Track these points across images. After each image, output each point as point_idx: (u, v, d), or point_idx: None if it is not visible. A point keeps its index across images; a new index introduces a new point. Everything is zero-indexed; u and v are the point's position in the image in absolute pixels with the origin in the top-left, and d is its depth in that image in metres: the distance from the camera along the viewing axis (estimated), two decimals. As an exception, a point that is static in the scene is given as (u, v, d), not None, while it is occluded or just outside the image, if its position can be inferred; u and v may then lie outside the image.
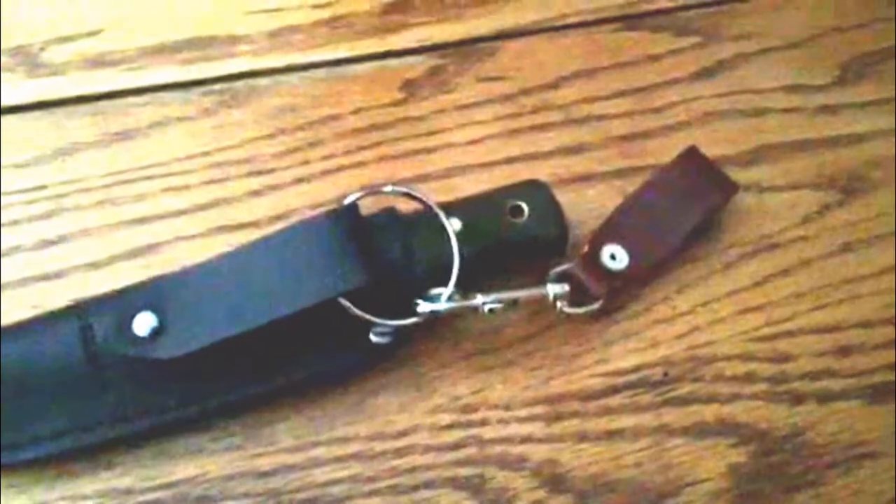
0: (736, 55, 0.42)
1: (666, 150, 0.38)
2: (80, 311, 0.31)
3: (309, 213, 0.36)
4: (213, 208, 0.36)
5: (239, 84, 0.39)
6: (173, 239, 0.35)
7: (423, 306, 0.31)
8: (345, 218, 0.31)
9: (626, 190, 0.37)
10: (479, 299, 0.31)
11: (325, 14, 0.41)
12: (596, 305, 0.34)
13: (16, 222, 0.35)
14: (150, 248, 0.35)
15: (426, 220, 0.33)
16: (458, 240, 0.32)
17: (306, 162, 0.38)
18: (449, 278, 0.32)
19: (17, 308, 0.33)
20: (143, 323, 0.30)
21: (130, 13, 0.40)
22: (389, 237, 0.32)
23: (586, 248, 0.34)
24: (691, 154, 0.37)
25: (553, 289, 0.33)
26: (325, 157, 0.38)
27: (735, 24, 0.42)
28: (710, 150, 0.38)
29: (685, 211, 0.36)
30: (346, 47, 0.40)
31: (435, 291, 0.31)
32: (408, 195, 0.33)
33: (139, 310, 0.31)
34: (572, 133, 0.39)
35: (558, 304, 0.33)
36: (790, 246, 0.37)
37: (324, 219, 0.31)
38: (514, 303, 0.32)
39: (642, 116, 0.40)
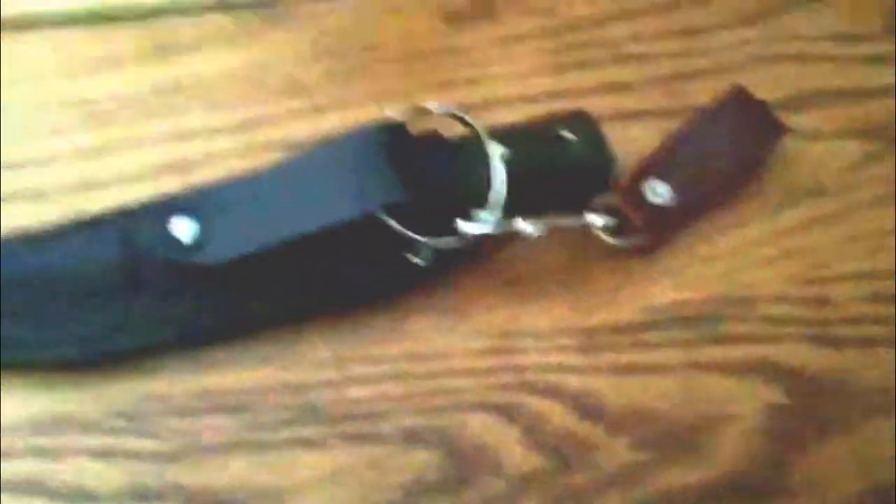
0: (784, 1, 0.41)
1: (711, 92, 0.37)
2: (120, 215, 0.31)
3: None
4: (252, 127, 0.36)
5: (281, 7, 0.39)
6: (211, 155, 0.35)
7: (465, 227, 0.31)
8: (390, 133, 0.31)
9: (671, 129, 0.36)
10: (521, 223, 0.31)
11: (371, -60, 0.41)
12: (637, 239, 0.33)
13: (55, 131, 0.35)
14: (188, 163, 0.35)
15: (470, 143, 0.32)
16: (503, 165, 0.32)
17: (348, 86, 0.37)
18: (492, 203, 0.31)
19: (52, 215, 0.33)
20: (185, 229, 0.30)
21: (174, -70, 0.40)
22: (434, 157, 0.32)
23: (630, 180, 0.34)
24: (740, 93, 0.36)
25: (595, 218, 0.33)
26: (367, 83, 0.37)
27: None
28: (756, 95, 0.37)
29: (731, 150, 0.35)
30: (390, -25, 0.40)
31: (478, 214, 0.31)
32: (454, 116, 0.33)
33: (181, 215, 0.30)
34: (618, 71, 0.39)
35: (600, 234, 0.33)
36: (834, 193, 0.37)
37: (369, 131, 0.31)
38: (555, 230, 0.32)
39: (689, 58, 0.39)
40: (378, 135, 0.31)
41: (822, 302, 0.34)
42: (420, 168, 0.31)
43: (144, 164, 0.35)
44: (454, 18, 0.39)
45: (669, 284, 0.34)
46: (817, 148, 0.38)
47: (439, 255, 0.31)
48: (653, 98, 0.38)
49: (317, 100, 0.37)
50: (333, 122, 0.36)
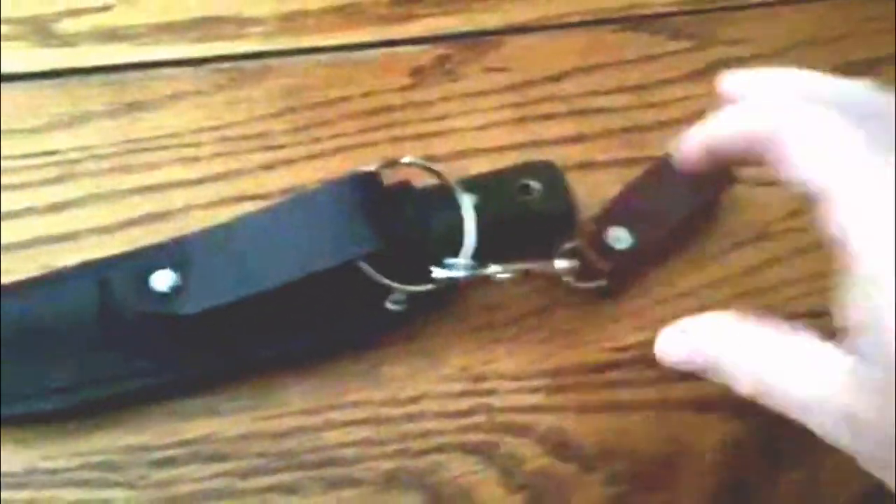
0: (727, 58, 0.43)
1: (663, 144, 0.39)
2: (97, 266, 0.31)
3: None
4: (223, 179, 0.37)
5: (249, 63, 0.40)
6: (184, 207, 0.36)
7: (439, 273, 0.32)
8: (364, 183, 0.32)
9: (627, 178, 0.38)
10: (492, 268, 0.32)
11: (336, 1, 0.42)
12: (601, 282, 0.35)
13: (27, 185, 0.35)
14: (161, 216, 0.35)
15: (440, 193, 0.34)
16: (473, 213, 0.33)
17: (317, 140, 0.38)
18: (462, 249, 0.32)
19: (27, 268, 0.33)
20: (162, 279, 0.31)
21: (142, -10, 0.41)
22: (406, 206, 0.33)
23: (593, 226, 0.35)
24: None
25: (561, 263, 0.34)
26: (335, 136, 0.39)
27: (726, 30, 0.44)
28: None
29: (685, 198, 0.37)
30: (355, 34, 0.41)
31: (450, 261, 0.32)
32: (425, 168, 0.34)
33: (158, 267, 0.31)
34: (574, 124, 0.41)
35: (565, 278, 0.34)
36: (781, 236, 0.39)
37: (344, 183, 0.32)
38: (525, 274, 0.33)
39: (641, 111, 0.41)
40: (352, 186, 0.32)
41: (776, 339, 0.36)
42: (393, 217, 0.32)
43: (116, 218, 0.35)
44: (417, 75, 0.41)
45: (632, 325, 0.36)
46: (763, 195, 0.40)
47: (413, 301, 0.32)
48: (609, 149, 0.40)
49: (286, 153, 0.38)
50: (303, 175, 0.37)
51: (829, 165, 0.22)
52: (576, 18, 0.44)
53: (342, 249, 0.31)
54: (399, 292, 0.32)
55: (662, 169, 0.37)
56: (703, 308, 0.36)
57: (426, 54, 0.41)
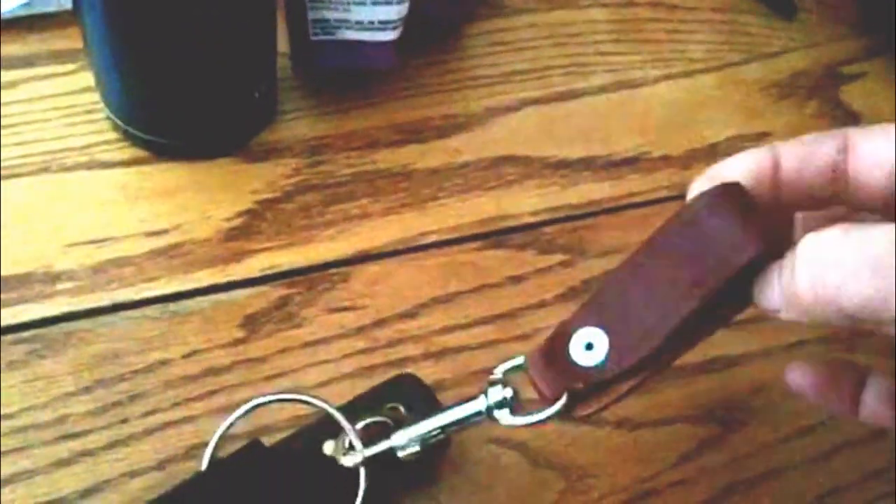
0: (604, 273, 0.39)
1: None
2: None
3: (125, 483, 0.32)
4: (10, 484, 0.31)
5: (55, 329, 0.35)
6: (-42, 528, 0.30)
7: None
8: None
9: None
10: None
11: (160, 242, 0.37)
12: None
13: None
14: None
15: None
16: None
17: (125, 420, 0.33)
18: None
19: None
20: None
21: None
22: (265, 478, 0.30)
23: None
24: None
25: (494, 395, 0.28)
26: (149, 413, 0.33)
27: (601, 238, 0.41)
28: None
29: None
30: (181, 280, 0.37)
31: None
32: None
33: None
34: (431, 369, 0.36)
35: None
36: (667, 492, 0.34)
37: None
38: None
39: (507, 345, 0.37)
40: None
41: None
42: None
43: None
44: (251, 325, 0.36)
45: None
46: (643, 439, 0.35)
47: None
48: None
49: (87, 442, 0.32)
50: (108, 468, 0.32)
51: None
52: (433, 238, 0.40)
53: None
54: None
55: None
56: None
57: (261, 298, 0.37)
